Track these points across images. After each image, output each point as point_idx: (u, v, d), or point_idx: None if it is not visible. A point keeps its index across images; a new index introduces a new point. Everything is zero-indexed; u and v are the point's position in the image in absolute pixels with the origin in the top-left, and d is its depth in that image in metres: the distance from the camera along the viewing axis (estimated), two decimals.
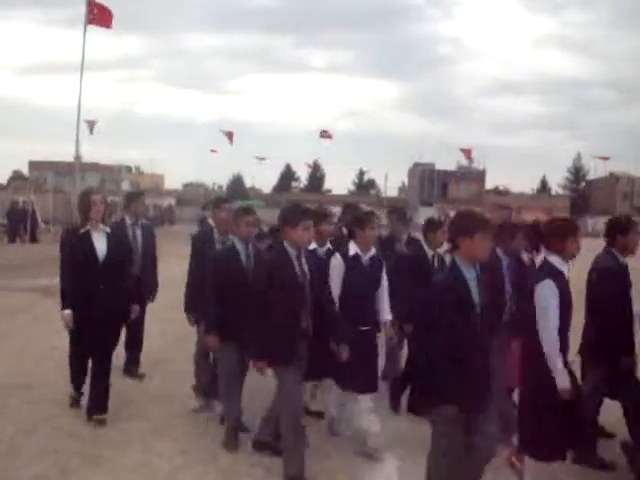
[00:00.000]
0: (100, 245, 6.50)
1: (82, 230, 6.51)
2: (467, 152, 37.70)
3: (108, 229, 6.69)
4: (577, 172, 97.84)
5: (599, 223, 61.89)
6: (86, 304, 6.39)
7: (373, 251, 6.32)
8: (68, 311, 6.44)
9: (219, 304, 6.01)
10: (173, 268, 10.97)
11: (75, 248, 6.48)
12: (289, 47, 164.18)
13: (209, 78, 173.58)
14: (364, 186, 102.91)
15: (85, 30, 16.78)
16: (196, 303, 6.84)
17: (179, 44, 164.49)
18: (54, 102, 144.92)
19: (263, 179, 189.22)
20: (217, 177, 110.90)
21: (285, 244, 5.53)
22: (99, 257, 6.47)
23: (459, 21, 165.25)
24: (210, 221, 7.43)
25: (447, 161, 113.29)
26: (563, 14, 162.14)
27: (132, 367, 8.37)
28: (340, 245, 6.77)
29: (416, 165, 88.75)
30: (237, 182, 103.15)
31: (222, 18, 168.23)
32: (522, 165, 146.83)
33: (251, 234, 6.27)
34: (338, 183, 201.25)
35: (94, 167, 73.27)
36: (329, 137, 40.01)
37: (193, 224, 40.20)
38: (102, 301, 6.41)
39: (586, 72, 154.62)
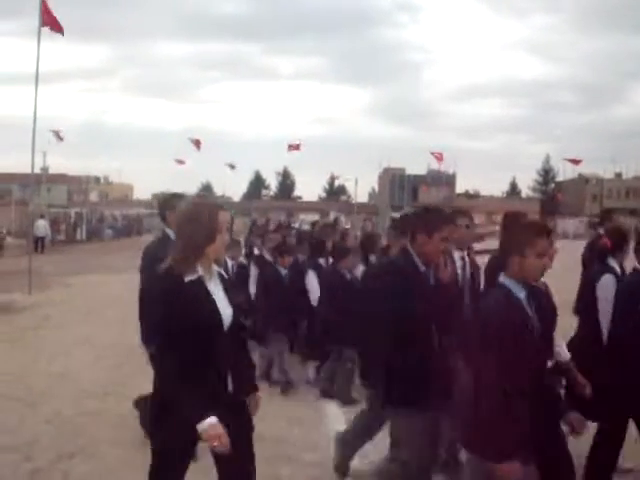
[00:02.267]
0: (221, 301, 3.66)
1: (189, 277, 3.51)
2: (438, 155, 37.43)
3: (222, 271, 3.85)
4: (546, 174, 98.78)
5: (569, 225, 62.32)
6: (210, 404, 3.43)
7: None
8: (213, 420, 3.36)
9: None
10: None
11: (187, 309, 3.45)
12: (258, 55, 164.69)
13: (177, 87, 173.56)
14: (335, 192, 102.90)
15: (39, 33, 16.33)
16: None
17: (147, 53, 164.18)
18: (18, 113, 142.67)
19: (233, 188, 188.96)
20: (187, 186, 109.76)
21: None
22: (224, 322, 3.62)
23: (427, 27, 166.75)
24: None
25: (417, 166, 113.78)
26: (529, 18, 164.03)
27: None
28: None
29: (386, 170, 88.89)
30: (206, 191, 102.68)
31: (190, 26, 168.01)
32: (491, 168, 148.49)
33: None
34: (309, 190, 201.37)
35: (61, 178, 72.41)
36: (297, 149, 39.44)
37: None
38: (230, 397, 3.63)
39: (551, 75, 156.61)
